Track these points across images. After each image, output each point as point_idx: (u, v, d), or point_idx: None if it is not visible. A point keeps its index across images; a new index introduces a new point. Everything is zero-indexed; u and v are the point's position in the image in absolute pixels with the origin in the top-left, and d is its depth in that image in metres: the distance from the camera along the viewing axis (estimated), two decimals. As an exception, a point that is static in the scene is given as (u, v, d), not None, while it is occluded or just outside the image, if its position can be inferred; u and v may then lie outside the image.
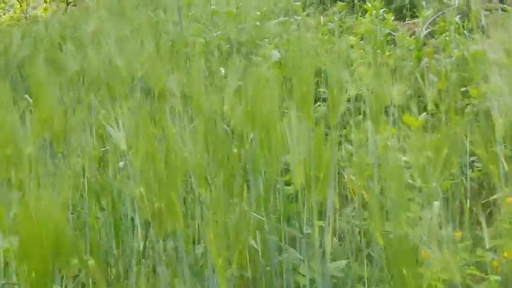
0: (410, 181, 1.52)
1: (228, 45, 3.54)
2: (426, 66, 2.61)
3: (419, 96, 2.63)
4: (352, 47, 2.84)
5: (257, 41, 3.48)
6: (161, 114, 1.51)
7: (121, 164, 1.27)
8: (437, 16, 3.00)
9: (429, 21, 2.84)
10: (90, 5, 7.80)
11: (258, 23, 3.55)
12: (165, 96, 1.60)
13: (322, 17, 3.22)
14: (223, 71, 1.95)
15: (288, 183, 1.46)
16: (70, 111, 1.57)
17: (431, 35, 2.89)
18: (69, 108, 1.67)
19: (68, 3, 9.40)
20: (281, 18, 3.27)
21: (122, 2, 5.46)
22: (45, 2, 9.75)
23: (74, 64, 1.91)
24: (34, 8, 9.85)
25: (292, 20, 3.25)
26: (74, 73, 1.89)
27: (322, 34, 3.04)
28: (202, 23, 3.69)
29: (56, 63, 2.04)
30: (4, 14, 9.54)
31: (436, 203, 1.13)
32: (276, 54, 2.89)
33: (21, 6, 9.89)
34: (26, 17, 9.56)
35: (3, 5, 9.91)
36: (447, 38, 2.50)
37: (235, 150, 1.06)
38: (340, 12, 3.32)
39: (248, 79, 1.25)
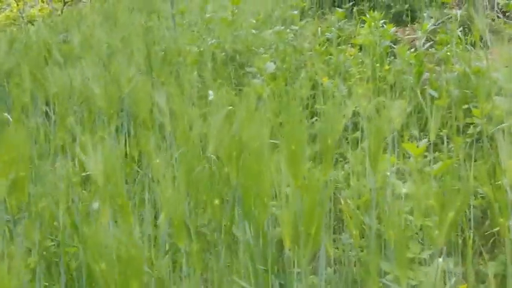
0: (410, 217, 1.42)
1: (223, 53, 3.43)
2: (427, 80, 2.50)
3: (419, 112, 2.52)
4: (351, 58, 2.74)
5: (253, 49, 3.38)
6: (145, 141, 1.40)
7: (94, 205, 1.16)
8: (438, 25, 2.89)
9: (429, 29, 2.73)
10: (86, 6, 7.68)
11: (253, 31, 3.44)
12: (151, 120, 1.49)
13: (319, 27, 3.10)
14: (211, 96, 1.83)
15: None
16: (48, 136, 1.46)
17: (432, 46, 2.78)
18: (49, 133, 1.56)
19: (64, 3, 9.28)
20: (277, 28, 3.15)
21: (115, 5, 5.35)
22: (42, 1, 9.62)
23: (57, 82, 1.80)
24: (32, 6, 9.71)
25: (289, 29, 3.14)
26: (56, 93, 1.79)
27: (319, 45, 2.93)
28: (197, 30, 3.58)
29: (39, 80, 1.94)
30: (0, 14, 9.40)
31: (440, 260, 1.03)
32: (271, 66, 2.78)
33: (18, 5, 9.76)
34: (22, 17, 9.43)
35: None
36: (448, 53, 2.40)
37: (216, 202, 0.96)
38: (338, 21, 3.20)
39: (238, 113, 1.14)
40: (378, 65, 2.48)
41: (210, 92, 1.80)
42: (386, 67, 2.53)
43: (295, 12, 3.32)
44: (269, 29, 3.33)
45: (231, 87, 3.03)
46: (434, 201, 0.96)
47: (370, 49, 2.65)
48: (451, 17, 2.95)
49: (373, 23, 2.67)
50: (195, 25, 3.67)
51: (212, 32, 3.68)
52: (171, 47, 3.23)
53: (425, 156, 1.81)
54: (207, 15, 3.45)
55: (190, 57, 2.95)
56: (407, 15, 3.88)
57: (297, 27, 3.08)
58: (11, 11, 9.66)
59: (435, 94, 2.36)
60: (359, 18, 3.30)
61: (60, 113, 1.51)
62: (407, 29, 3.50)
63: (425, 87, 2.49)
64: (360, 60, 2.64)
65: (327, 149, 1.35)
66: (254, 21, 3.43)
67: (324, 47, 2.91)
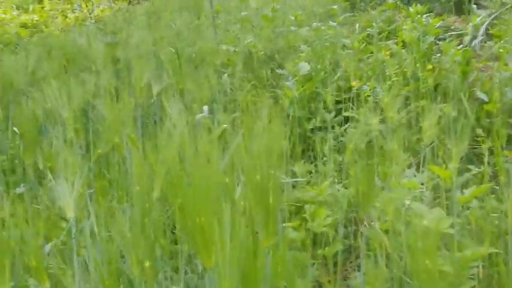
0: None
1: (262, 52, 3.25)
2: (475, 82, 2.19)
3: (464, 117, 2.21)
4: (389, 56, 2.46)
5: (291, 47, 3.16)
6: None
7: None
8: (493, 18, 2.53)
9: (485, 25, 2.39)
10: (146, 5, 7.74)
11: (293, 28, 3.23)
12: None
13: (357, 25, 2.83)
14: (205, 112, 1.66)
15: None
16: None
17: (485, 41, 2.44)
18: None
19: (129, 2, 9.45)
20: (314, 24, 2.92)
21: (165, 4, 5.30)
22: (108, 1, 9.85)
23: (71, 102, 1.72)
24: (98, 7, 9.97)
25: (327, 25, 2.89)
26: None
27: (358, 42, 2.67)
28: (233, 29, 3.41)
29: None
30: (68, 14, 9.71)
31: None
32: (305, 67, 2.56)
33: (86, 5, 10.05)
34: (90, 17, 9.71)
35: (69, 5, 10.12)
36: (501, 50, 2.07)
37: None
38: (382, 15, 2.91)
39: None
40: (418, 65, 2.19)
41: (205, 107, 1.62)
42: (430, 66, 2.24)
43: (335, 6, 3.06)
44: (308, 26, 3.10)
45: (267, 89, 2.85)
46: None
47: (412, 46, 2.37)
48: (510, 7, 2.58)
49: (416, 17, 2.38)
50: (234, 23, 3.51)
51: (252, 30, 3.51)
52: (206, 46, 3.09)
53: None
54: (243, 13, 3.27)
55: (221, 58, 2.79)
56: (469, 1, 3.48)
57: (335, 24, 2.83)
58: (81, 11, 9.98)
59: (484, 97, 2.05)
60: (405, 8, 2.99)
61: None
62: (457, 20, 3.13)
63: (475, 88, 2.18)
64: (401, 58, 2.36)
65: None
66: (293, 17, 3.21)
67: (364, 44, 2.65)
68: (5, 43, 7.09)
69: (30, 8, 8.71)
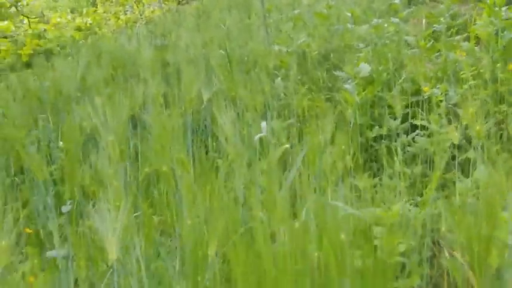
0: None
1: (316, 52, 3.04)
2: None
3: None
4: (463, 56, 2.19)
5: (348, 46, 2.94)
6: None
7: None
8: None
9: None
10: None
11: (349, 25, 3.00)
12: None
13: (424, 20, 2.57)
14: (264, 128, 1.48)
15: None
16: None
17: None
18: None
19: (178, 2, 9.44)
20: (374, 21, 2.68)
21: (215, 4, 5.18)
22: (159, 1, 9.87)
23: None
24: (149, 7, 10.01)
25: (389, 22, 2.65)
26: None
27: (424, 39, 2.41)
28: (286, 29, 3.22)
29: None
30: (120, 16, 9.81)
31: None
32: (365, 69, 2.34)
33: (137, 7, 10.11)
34: (141, 18, 9.76)
35: (121, 7, 10.21)
36: None
37: None
38: (450, 8, 2.64)
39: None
40: (498, 64, 1.93)
41: (263, 124, 1.44)
42: (511, 66, 1.97)
43: (397, 1, 2.81)
44: (367, 23, 2.86)
45: (323, 92, 2.65)
46: None
47: (489, 43, 2.10)
48: None
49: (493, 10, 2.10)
50: (286, 22, 3.32)
51: (305, 29, 3.30)
52: (258, 48, 2.92)
53: None
54: (296, 12, 3.07)
55: (273, 60, 2.61)
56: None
57: (397, 20, 2.58)
58: (133, 13, 10.06)
59: None
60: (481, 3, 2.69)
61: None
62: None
63: None
64: (475, 57, 2.09)
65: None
66: (349, 14, 2.98)
67: (431, 42, 2.39)
68: (61, 46, 7.23)
69: (84, 11, 8.83)
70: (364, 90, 2.27)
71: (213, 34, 3.34)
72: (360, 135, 2.07)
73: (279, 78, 2.52)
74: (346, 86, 2.25)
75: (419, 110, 2.06)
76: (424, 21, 2.56)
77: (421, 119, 2.02)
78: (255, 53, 2.79)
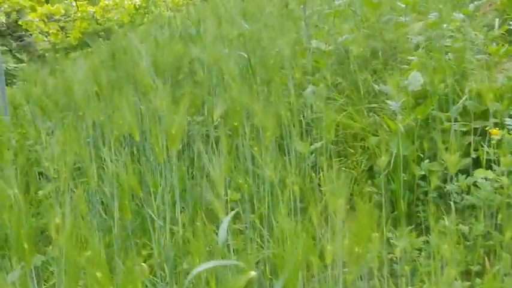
0: None
1: (361, 49, 2.53)
2: None
3: None
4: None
5: (395, 49, 2.41)
6: None
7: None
8: None
9: None
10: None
11: (402, 18, 2.46)
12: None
13: (497, 20, 2.00)
14: None
15: None
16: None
17: None
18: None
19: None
20: (434, 15, 2.14)
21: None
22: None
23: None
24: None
25: (451, 17, 2.10)
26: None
27: (496, 42, 1.86)
28: (326, 22, 2.72)
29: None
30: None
31: None
32: (417, 80, 1.83)
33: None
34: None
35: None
36: None
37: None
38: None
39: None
40: None
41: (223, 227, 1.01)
42: None
43: (463, -10, 2.24)
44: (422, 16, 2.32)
45: (364, 101, 2.15)
46: None
47: None
48: None
49: None
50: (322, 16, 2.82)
51: (349, 21, 2.79)
52: (290, 45, 2.45)
53: None
54: (338, 3, 2.57)
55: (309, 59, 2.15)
56: None
57: (461, 15, 2.03)
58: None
59: None
60: None
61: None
62: None
63: None
64: None
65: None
66: (403, 5, 2.44)
67: (505, 48, 1.84)
68: (119, 24, 7.16)
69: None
70: (413, 110, 1.77)
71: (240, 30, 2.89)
72: (404, 170, 1.59)
73: (309, 88, 2.06)
74: (391, 104, 1.76)
75: (486, 141, 1.55)
76: (497, 20, 1.99)
77: (487, 154, 1.51)
78: (285, 52, 2.33)
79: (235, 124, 1.66)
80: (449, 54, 1.93)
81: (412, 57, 2.13)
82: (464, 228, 1.41)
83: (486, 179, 1.44)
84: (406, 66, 2.09)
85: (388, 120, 1.65)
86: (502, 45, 1.85)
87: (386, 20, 2.63)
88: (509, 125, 1.46)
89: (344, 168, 1.79)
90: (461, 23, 1.98)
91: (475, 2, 2.05)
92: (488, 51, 1.87)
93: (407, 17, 2.40)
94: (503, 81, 1.71)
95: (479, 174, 1.41)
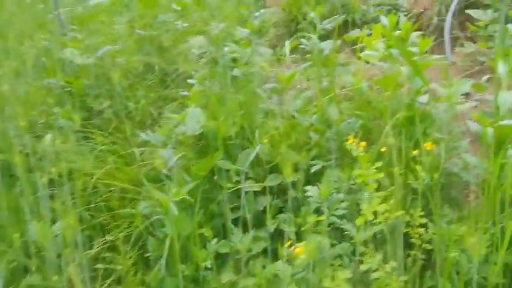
0: None
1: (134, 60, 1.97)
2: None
3: None
4: None
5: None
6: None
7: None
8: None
9: None
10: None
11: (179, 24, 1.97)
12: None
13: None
14: None
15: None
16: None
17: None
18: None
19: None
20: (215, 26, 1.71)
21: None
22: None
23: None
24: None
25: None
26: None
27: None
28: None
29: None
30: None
31: None
32: (196, 119, 1.37)
33: None
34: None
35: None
36: None
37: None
38: None
39: None
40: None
41: None
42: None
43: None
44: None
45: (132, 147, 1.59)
46: None
47: None
48: None
49: None
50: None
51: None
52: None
53: None
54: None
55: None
56: None
57: (247, 30, 1.62)
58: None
59: None
60: None
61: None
62: None
63: None
64: None
65: None
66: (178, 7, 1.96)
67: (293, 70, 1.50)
68: None
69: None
70: (194, 161, 1.30)
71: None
72: (183, 259, 1.12)
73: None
74: (163, 154, 1.26)
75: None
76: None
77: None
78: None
79: None
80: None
81: (195, 76, 1.68)
82: None
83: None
84: (186, 93, 1.60)
85: (157, 194, 1.14)
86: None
87: (162, 21, 2.13)
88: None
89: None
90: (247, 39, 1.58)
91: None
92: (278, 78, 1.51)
93: (184, 24, 1.92)
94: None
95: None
